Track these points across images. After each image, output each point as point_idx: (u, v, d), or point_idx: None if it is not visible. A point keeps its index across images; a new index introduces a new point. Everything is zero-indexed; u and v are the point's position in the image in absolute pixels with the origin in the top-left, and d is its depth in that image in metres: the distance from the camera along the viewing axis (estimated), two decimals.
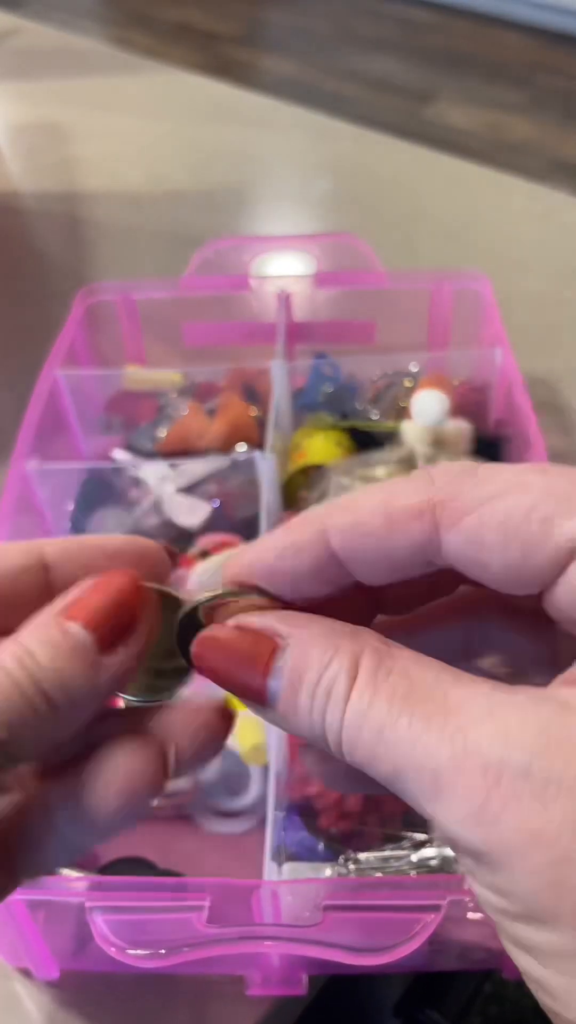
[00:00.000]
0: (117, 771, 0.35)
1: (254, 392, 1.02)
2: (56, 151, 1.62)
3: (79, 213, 1.48)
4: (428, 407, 0.93)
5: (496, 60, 3.88)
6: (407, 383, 1.03)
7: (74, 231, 1.46)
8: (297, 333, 1.04)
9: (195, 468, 0.92)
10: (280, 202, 1.54)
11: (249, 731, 0.75)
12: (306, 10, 4.32)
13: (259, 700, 0.35)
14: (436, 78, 3.77)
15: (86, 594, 0.36)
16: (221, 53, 4.00)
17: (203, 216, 1.47)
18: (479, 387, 1.02)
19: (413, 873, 0.69)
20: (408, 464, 0.90)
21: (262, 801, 0.76)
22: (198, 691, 0.38)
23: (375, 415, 1.01)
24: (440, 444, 0.93)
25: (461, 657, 0.39)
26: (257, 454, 0.90)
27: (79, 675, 0.34)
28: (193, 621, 0.37)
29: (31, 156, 1.62)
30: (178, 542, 0.91)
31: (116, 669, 0.35)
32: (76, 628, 0.35)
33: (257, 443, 0.96)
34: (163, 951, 0.65)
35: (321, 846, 0.71)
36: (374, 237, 1.17)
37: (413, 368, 1.04)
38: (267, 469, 0.88)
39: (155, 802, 0.70)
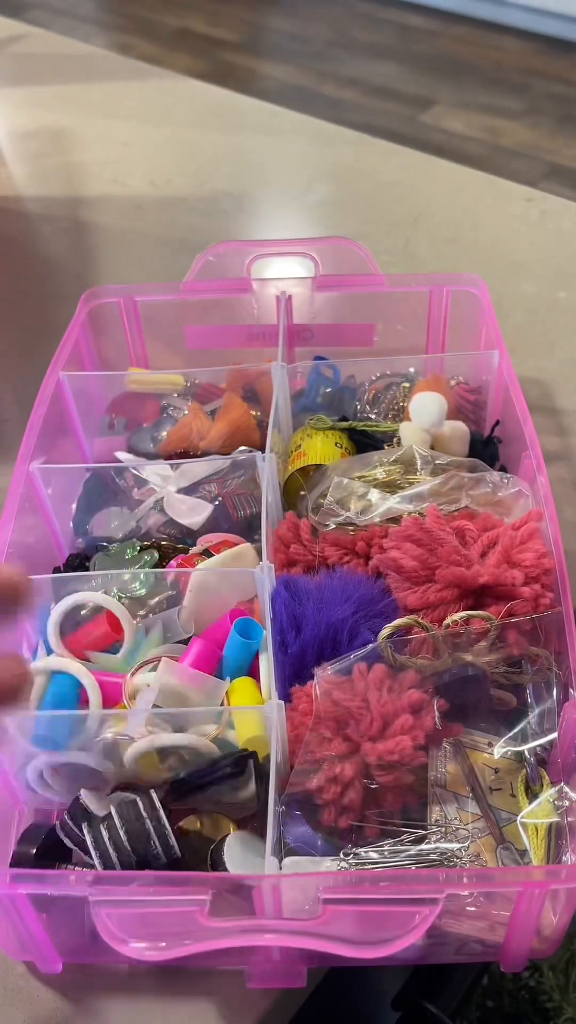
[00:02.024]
0: None
1: (255, 394, 1.03)
2: (59, 156, 1.62)
3: (82, 217, 1.49)
4: (426, 409, 0.94)
5: (493, 66, 3.88)
6: (405, 385, 1.03)
7: (77, 235, 1.46)
8: (297, 335, 1.05)
9: (196, 468, 0.93)
10: (280, 207, 1.55)
11: (248, 724, 0.75)
12: (305, 17, 4.32)
13: None
14: (434, 84, 3.78)
15: None
16: (221, 59, 4.00)
17: (204, 221, 1.48)
18: (475, 388, 1.03)
19: (412, 867, 0.69)
20: (406, 465, 0.90)
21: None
22: None
23: (374, 416, 1.02)
24: (438, 445, 0.94)
25: None
26: (257, 455, 0.90)
27: None
28: None
29: (34, 161, 1.63)
30: (180, 542, 0.92)
31: None
32: None
33: (258, 444, 0.97)
34: (165, 944, 0.66)
35: (321, 840, 0.72)
36: (373, 241, 1.17)
37: (411, 370, 1.05)
38: (267, 469, 0.88)
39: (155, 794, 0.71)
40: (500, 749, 0.74)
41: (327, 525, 0.86)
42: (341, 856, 0.70)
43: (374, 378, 1.05)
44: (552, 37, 3.99)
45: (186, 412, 1.01)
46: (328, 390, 1.03)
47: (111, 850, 0.69)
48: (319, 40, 4.13)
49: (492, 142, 3.44)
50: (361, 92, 3.75)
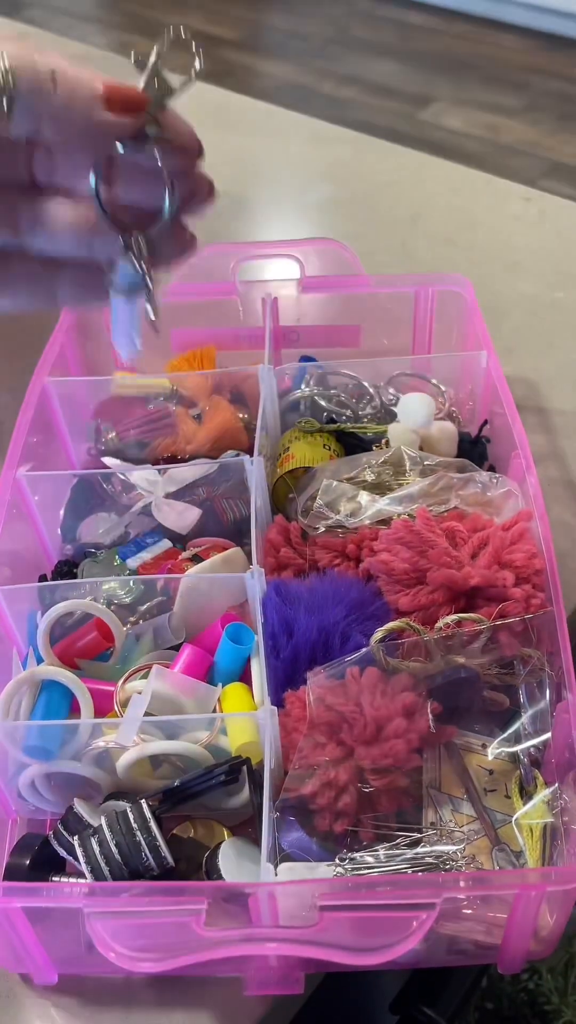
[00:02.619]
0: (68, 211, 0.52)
1: (242, 397, 1.02)
2: None
3: None
4: (414, 410, 0.94)
5: (493, 63, 3.87)
6: (392, 386, 1.03)
7: None
8: (284, 338, 1.05)
9: (184, 473, 0.92)
10: (277, 207, 1.54)
11: (241, 730, 0.75)
12: (305, 15, 4.32)
13: None
14: (433, 81, 3.77)
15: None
16: (221, 57, 4.00)
17: (200, 221, 1.47)
18: (459, 400, 1.03)
19: (408, 871, 0.69)
20: (395, 466, 0.90)
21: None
22: None
23: (361, 418, 1.01)
24: (426, 446, 0.93)
25: None
26: (246, 458, 0.90)
27: (84, 98, 0.52)
28: None
29: None
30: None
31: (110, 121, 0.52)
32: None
33: (246, 446, 0.96)
34: (162, 955, 0.65)
35: (316, 846, 0.72)
36: (370, 241, 1.16)
37: (398, 371, 1.04)
38: (256, 473, 0.88)
39: (144, 802, 0.70)
40: (494, 750, 0.74)
41: (317, 528, 0.86)
42: (337, 861, 0.70)
43: (362, 379, 1.04)
44: (552, 34, 3.98)
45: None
46: (315, 392, 1.02)
47: (102, 863, 0.68)
48: (319, 38, 4.13)
49: (492, 140, 3.44)
50: (361, 90, 3.74)
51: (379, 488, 0.88)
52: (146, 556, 0.87)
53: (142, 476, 0.93)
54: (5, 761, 0.77)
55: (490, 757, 0.74)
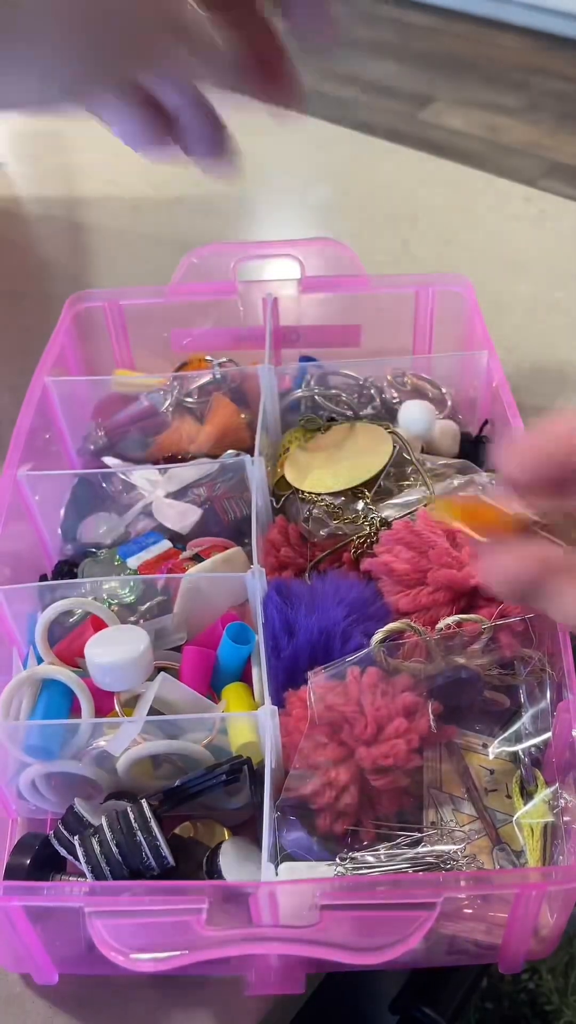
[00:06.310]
0: None
1: (243, 395, 1.02)
2: (57, 157, 1.62)
3: (79, 218, 1.49)
4: (415, 418, 0.94)
5: (493, 63, 3.87)
6: (393, 387, 1.03)
7: (74, 236, 1.46)
8: (284, 338, 1.05)
9: (185, 473, 0.92)
10: (278, 207, 1.54)
11: (241, 730, 0.75)
12: None
13: None
14: (434, 81, 3.77)
15: None
16: None
17: (202, 222, 1.47)
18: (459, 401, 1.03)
19: (409, 871, 0.69)
20: (396, 467, 0.90)
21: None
22: None
23: (362, 418, 1.01)
24: (429, 446, 0.93)
25: None
26: (246, 458, 0.90)
27: None
28: None
29: (32, 162, 1.63)
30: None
31: None
32: None
33: (248, 445, 0.96)
34: (162, 954, 0.65)
35: (317, 845, 0.72)
36: (371, 241, 1.15)
37: (399, 371, 1.04)
38: (256, 473, 0.88)
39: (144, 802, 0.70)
40: (495, 750, 0.74)
41: (318, 534, 0.86)
42: (338, 861, 0.70)
43: (362, 380, 1.04)
44: (552, 34, 3.98)
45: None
46: (316, 392, 1.02)
47: (103, 863, 0.68)
48: None
49: (492, 139, 3.44)
50: (361, 89, 3.74)
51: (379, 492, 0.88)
52: (146, 556, 0.87)
53: (142, 476, 0.93)
54: (5, 761, 0.77)
55: (491, 757, 0.74)
